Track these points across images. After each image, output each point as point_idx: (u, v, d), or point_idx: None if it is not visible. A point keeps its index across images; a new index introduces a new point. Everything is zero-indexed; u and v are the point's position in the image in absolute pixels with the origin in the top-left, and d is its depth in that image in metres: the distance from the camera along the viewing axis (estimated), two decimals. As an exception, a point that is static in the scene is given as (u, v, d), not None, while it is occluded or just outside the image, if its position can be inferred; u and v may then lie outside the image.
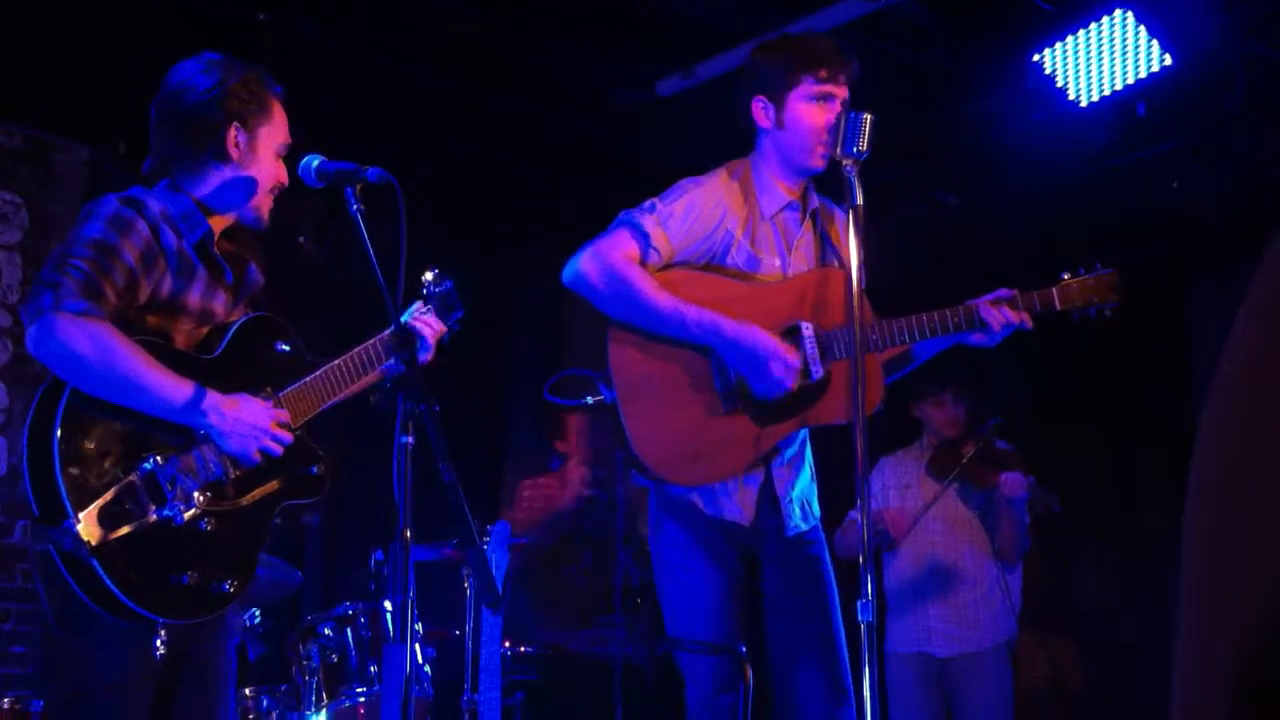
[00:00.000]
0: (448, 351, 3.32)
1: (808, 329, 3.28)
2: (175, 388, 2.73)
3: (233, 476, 2.83)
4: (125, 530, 2.66)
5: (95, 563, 2.60)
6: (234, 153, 2.93)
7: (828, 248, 3.48)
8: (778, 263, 3.38)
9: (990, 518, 5.28)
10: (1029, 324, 3.35)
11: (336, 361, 3.06)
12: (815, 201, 3.49)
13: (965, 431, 5.39)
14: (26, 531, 2.84)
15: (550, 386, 4.21)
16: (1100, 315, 3.40)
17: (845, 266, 3.28)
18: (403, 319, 3.13)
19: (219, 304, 2.98)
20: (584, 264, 3.28)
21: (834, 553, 5.22)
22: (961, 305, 3.36)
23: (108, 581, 2.62)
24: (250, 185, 2.97)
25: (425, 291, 3.35)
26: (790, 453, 3.40)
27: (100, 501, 2.63)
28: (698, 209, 3.32)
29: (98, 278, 2.70)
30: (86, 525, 2.60)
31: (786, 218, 3.43)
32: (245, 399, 2.83)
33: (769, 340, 3.18)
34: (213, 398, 2.76)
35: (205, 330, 2.95)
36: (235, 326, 2.97)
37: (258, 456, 2.82)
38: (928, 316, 3.33)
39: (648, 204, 3.33)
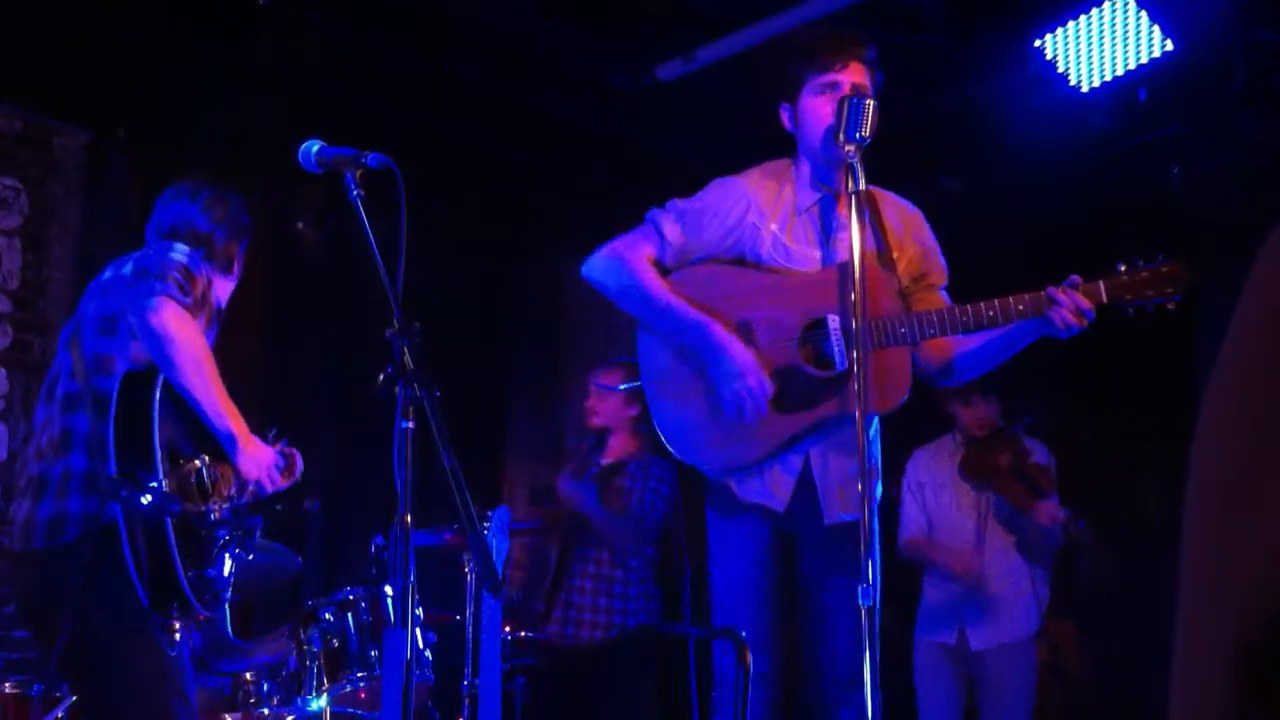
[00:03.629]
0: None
1: (834, 321, 3.24)
2: (228, 401, 3.06)
3: (236, 503, 3.20)
4: (187, 509, 2.95)
5: (169, 522, 2.85)
6: (235, 268, 3.47)
7: (874, 235, 3.42)
8: (817, 254, 3.36)
9: (1017, 524, 5.38)
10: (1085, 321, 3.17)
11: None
12: (858, 187, 3.37)
13: (994, 431, 5.43)
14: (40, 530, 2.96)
15: (600, 373, 4.26)
16: (1161, 310, 3.16)
17: (885, 253, 3.30)
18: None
19: None
20: (597, 261, 3.43)
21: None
22: (1003, 299, 3.18)
23: (172, 545, 2.86)
24: (228, 291, 3.48)
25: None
26: (838, 439, 3.29)
27: (178, 474, 2.95)
28: (717, 206, 3.37)
29: (188, 288, 3.06)
30: (170, 489, 2.90)
31: (824, 210, 3.41)
32: (256, 438, 3.16)
33: (747, 361, 3.19)
34: (243, 423, 3.10)
35: None
36: None
37: (259, 486, 3.16)
38: (961, 310, 3.20)
39: (670, 203, 3.42)
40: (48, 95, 5.58)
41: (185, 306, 2.98)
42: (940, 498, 5.51)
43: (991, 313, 3.16)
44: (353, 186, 2.78)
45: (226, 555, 3.13)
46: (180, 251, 3.16)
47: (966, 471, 5.43)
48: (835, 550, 3.32)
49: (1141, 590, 5.36)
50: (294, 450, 3.56)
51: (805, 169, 3.43)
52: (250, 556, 3.39)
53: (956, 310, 3.20)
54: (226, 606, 4.45)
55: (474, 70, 5.79)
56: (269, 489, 3.17)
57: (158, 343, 2.92)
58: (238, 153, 5.54)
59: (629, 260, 3.36)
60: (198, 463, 3.03)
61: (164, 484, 2.86)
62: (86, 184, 5.73)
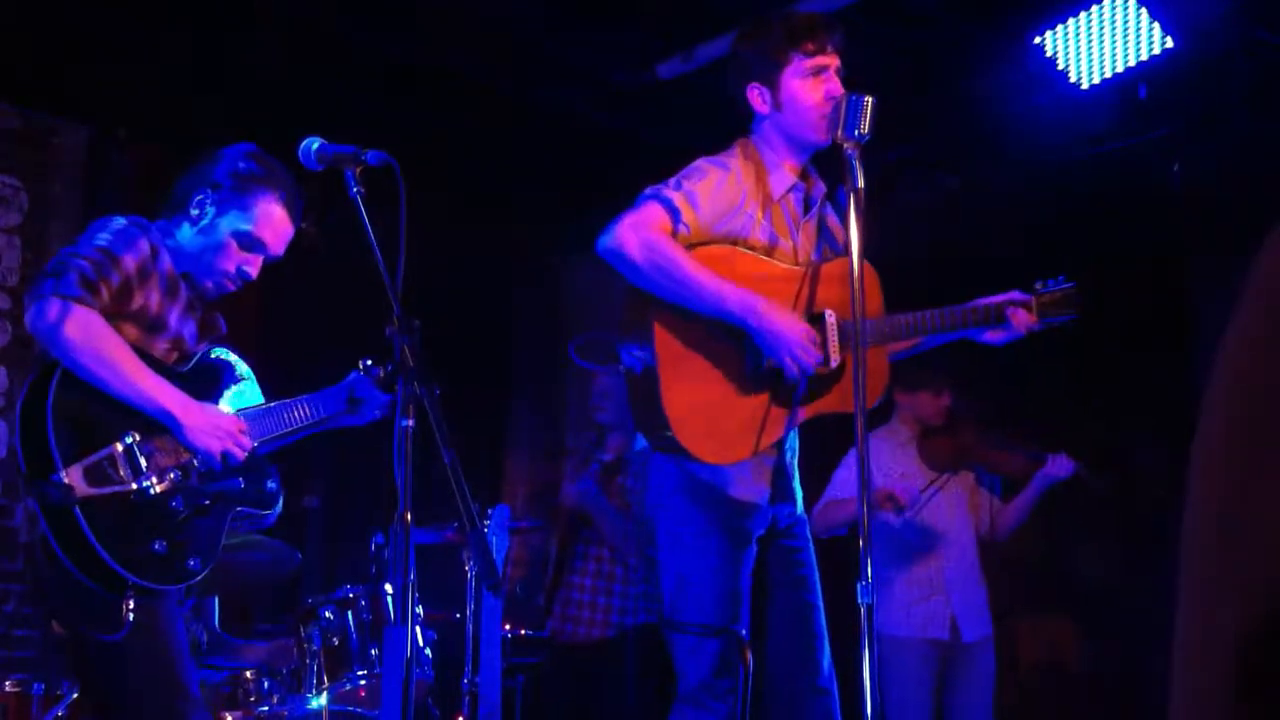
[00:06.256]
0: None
1: (831, 318, 3.29)
2: (150, 381, 2.99)
3: (198, 469, 3.08)
4: (106, 491, 2.88)
5: (78, 511, 2.81)
6: (194, 212, 3.21)
7: (825, 234, 3.50)
8: (789, 243, 3.39)
9: (989, 496, 5.32)
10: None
11: (296, 400, 3.40)
12: (822, 187, 3.49)
13: (950, 417, 5.39)
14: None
15: (576, 348, 4.18)
16: (1063, 328, 3.51)
17: (845, 252, 3.30)
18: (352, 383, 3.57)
19: (189, 332, 3.24)
20: (622, 235, 3.18)
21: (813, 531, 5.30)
22: (981, 304, 3.45)
23: (88, 532, 2.82)
24: (202, 253, 3.22)
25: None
26: (794, 438, 3.42)
27: (86, 461, 2.87)
28: (721, 189, 3.30)
29: (95, 277, 2.94)
30: (72, 480, 2.83)
31: (794, 199, 3.44)
32: (211, 407, 3.13)
33: (799, 328, 3.19)
34: (182, 396, 3.03)
35: (175, 355, 3.21)
36: (201, 352, 3.26)
37: (219, 458, 3.07)
38: (943, 312, 3.39)
39: (673, 181, 3.28)
40: (47, 92, 5.58)
41: (78, 299, 2.88)
42: (907, 487, 5.41)
43: (975, 316, 3.43)
44: (353, 184, 2.79)
45: (200, 522, 3.07)
46: (109, 231, 3.03)
47: (939, 458, 5.33)
48: (792, 546, 3.44)
49: (1141, 590, 5.36)
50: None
51: (771, 154, 3.42)
52: (266, 513, 3.30)
53: (938, 313, 3.40)
54: (215, 601, 4.45)
55: (474, 68, 5.78)
56: (238, 455, 3.11)
57: (52, 348, 2.90)
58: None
59: (657, 237, 3.17)
60: (119, 444, 2.93)
61: (63, 475, 2.82)
62: (86, 181, 5.73)
